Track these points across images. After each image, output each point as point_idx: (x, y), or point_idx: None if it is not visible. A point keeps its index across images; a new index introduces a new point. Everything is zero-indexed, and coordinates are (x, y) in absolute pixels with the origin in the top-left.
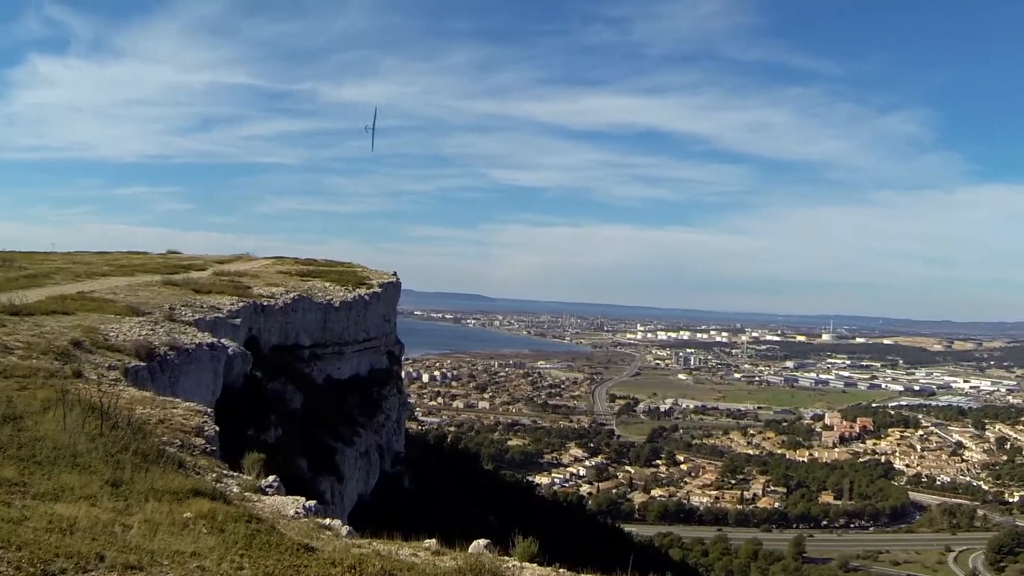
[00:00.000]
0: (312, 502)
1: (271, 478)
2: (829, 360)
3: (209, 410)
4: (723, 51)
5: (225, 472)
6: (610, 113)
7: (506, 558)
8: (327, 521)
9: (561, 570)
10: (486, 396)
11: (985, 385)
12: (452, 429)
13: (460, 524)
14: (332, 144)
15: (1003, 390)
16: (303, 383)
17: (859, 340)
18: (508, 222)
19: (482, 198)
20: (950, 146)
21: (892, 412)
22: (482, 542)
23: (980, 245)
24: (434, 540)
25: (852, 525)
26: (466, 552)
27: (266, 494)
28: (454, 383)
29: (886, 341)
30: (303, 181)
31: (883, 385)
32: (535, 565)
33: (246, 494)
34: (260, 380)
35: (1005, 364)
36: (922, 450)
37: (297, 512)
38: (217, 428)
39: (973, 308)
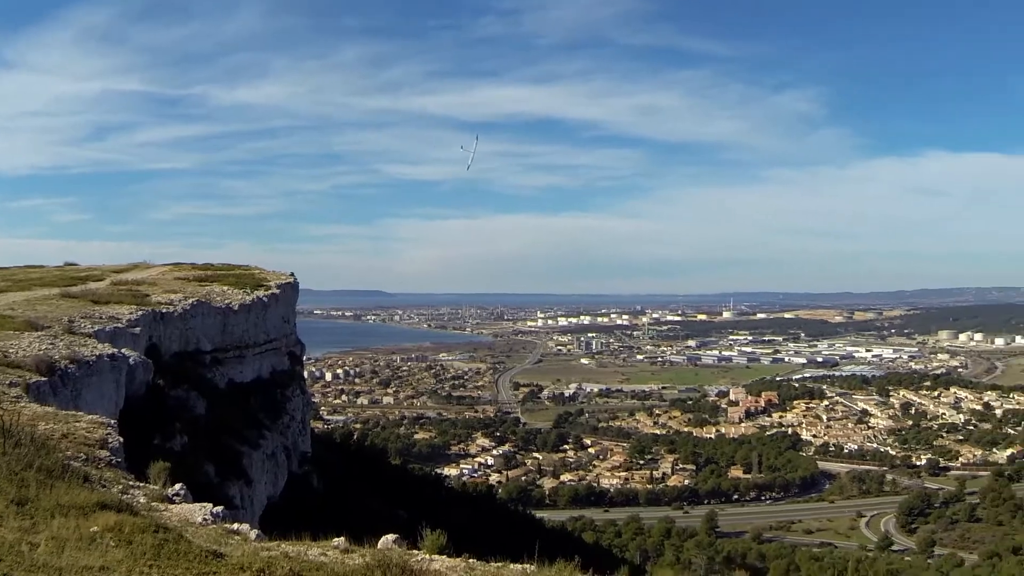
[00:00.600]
0: (220, 508)
1: (178, 486)
2: (731, 337)
3: (112, 422)
4: (612, 37)
5: (131, 483)
6: (503, 103)
7: (415, 552)
8: (235, 526)
9: (470, 560)
10: (390, 391)
11: (887, 353)
12: (358, 426)
13: (370, 520)
14: (226, 147)
15: (905, 357)
16: (206, 389)
17: (760, 316)
18: (405, 217)
19: (378, 194)
20: (842, 122)
21: (796, 384)
22: (391, 537)
23: (876, 217)
24: (342, 538)
25: (763, 498)
26: (375, 548)
27: (173, 503)
28: (357, 380)
29: (787, 315)
30: (198, 185)
31: (786, 359)
32: (444, 557)
33: (153, 504)
34: (163, 388)
35: (906, 331)
36: (828, 420)
37: (205, 519)
38: (121, 439)
39: (873, 279)
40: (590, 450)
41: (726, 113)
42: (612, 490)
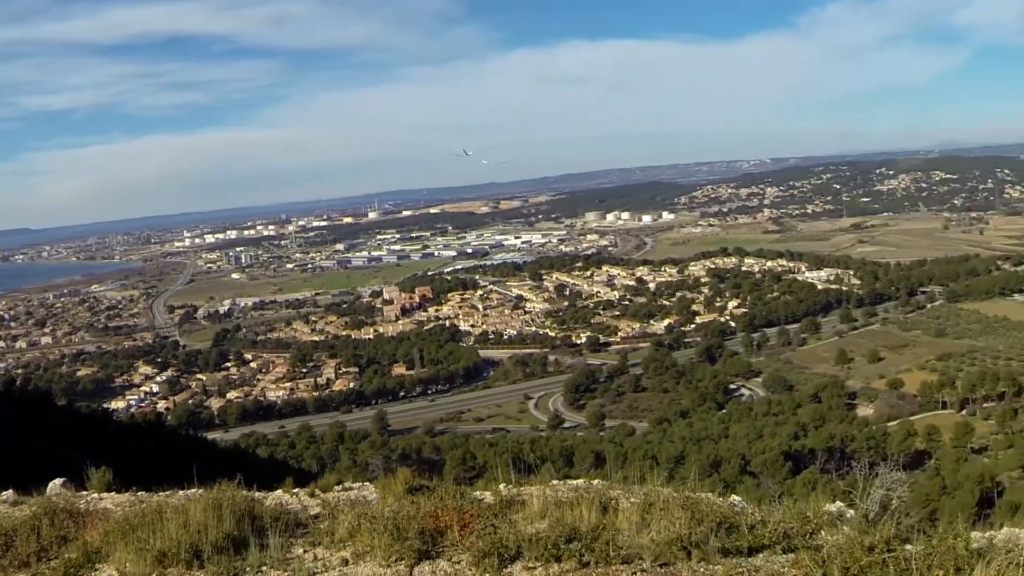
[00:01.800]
0: None
1: None
2: (379, 237)
3: None
4: None
5: None
6: (133, 24)
7: (83, 493)
8: None
9: (139, 492)
10: (47, 330)
11: (536, 238)
12: (20, 371)
13: (42, 466)
14: None
15: (554, 241)
16: None
17: (406, 213)
18: (43, 149)
19: (15, 128)
20: (478, 18)
21: (449, 277)
22: (58, 481)
23: (517, 109)
24: (10, 491)
25: (430, 392)
26: (43, 495)
27: None
28: (12, 323)
29: (433, 210)
30: None
31: (436, 253)
32: (112, 493)
33: None
34: None
35: (553, 216)
36: (485, 309)
37: None
38: None
39: (517, 168)
40: (252, 364)
41: (359, 15)
42: (280, 402)
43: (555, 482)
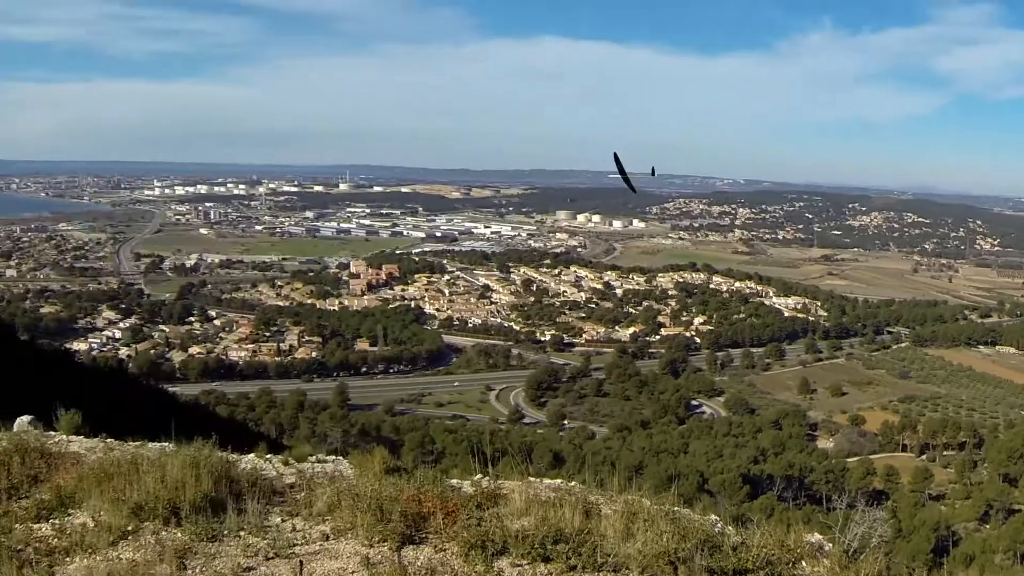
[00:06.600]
0: None
1: None
2: (349, 209)
3: None
4: None
5: None
6: None
7: (52, 433)
8: None
9: (108, 440)
10: (12, 263)
11: (506, 230)
12: None
13: (5, 402)
14: None
15: (524, 235)
16: None
17: (377, 189)
18: (17, 79)
19: None
20: (457, 1)
21: (417, 259)
22: (26, 418)
23: (491, 96)
24: None
25: (392, 370)
26: (11, 431)
27: None
28: None
29: (404, 189)
30: None
31: (405, 232)
32: (81, 437)
33: None
34: None
35: (524, 210)
36: (451, 294)
37: None
38: None
39: (490, 157)
40: (216, 322)
41: None
42: (241, 362)
43: (533, 479)
